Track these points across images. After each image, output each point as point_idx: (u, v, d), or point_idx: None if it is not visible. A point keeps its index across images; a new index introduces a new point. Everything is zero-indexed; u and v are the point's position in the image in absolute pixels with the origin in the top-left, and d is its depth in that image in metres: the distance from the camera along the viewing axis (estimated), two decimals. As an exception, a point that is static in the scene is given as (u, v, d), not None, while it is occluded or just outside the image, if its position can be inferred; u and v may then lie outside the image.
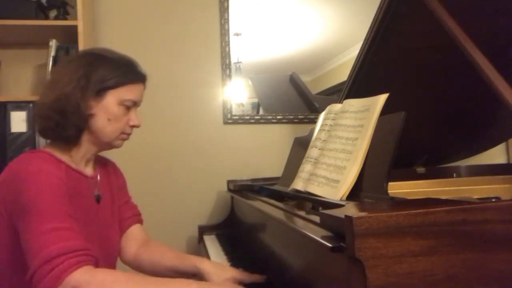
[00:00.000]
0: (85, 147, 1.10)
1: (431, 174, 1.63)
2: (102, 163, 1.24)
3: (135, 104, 1.12)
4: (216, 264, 1.20)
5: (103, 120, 1.07)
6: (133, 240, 1.28)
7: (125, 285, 0.87)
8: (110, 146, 1.13)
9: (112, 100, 1.06)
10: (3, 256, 0.99)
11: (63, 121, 1.02)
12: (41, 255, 0.85)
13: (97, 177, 1.18)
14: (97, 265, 0.92)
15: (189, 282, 0.95)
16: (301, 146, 1.48)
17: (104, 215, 1.17)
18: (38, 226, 0.89)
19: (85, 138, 1.09)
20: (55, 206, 0.92)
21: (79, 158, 1.11)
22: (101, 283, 0.86)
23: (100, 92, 1.05)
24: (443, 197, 0.87)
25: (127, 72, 1.09)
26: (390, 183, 0.95)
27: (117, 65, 1.08)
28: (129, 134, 1.14)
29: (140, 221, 1.33)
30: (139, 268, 1.26)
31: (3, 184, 0.98)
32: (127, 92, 1.08)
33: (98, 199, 1.15)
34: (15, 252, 0.94)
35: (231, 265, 1.29)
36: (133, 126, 1.13)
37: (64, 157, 1.06)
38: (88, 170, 1.15)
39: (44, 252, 0.85)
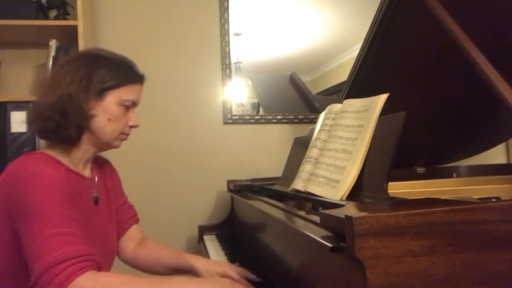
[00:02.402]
0: (84, 148, 1.10)
1: (431, 174, 1.64)
2: (98, 164, 1.24)
3: (134, 104, 1.13)
4: (210, 261, 1.25)
5: (103, 120, 1.07)
6: (131, 239, 1.31)
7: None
8: (109, 146, 1.13)
9: (112, 100, 1.07)
10: (3, 257, 0.98)
11: (64, 122, 1.02)
12: (45, 261, 0.84)
13: (94, 178, 1.18)
14: (99, 269, 0.92)
15: (185, 281, 0.97)
16: (301, 146, 1.48)
17: (102, 217, 1.17)
18: (40, 230, 0.88)
19: (85, 139, 1.08)
20: (58, 210, 0.92)
21: (78, 159, 1.11)
22: (105, 287, 0.86)
23: (101, 92, 1.05)
24: (443, 197, 0.87)
25: (126, 72, 1.10)
26: (390, 183, 0.95)
27: (117, 65, 1.09)
28: (127, 134, 1.15)
29: (137, 221, 1.35)
30: (137, 266, 1.30)
31: (3, 186, 0.97)
32: (126, 93, 1.09)
33: (96, 201, 1.15)
34: (16, 254, 0.94)
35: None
36: (132, 126, 1.14)
37: (63, 159, 1.06)
38: (86, 172, 1.15)
39: (47, 258, 0.85)
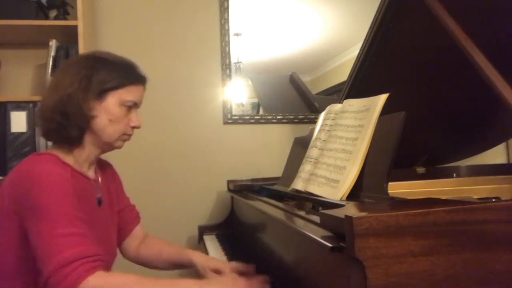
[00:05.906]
0: (88, 149, 1.12)
1: (431, 174, 1.64)
2: (101, 166, 1.26)
3: (136, 105, 1.14)
4: (206, 256, 1.33)
5: (104, 121, 1.08)
6: (135, 238, 1.35)
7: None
8: (111, 147, 1.15)
9: (113, 101, 1.08)
10: (11, 256, 0.99)
11: (65, 122, 1.04)
12: (56, 260, 0.86)
13: (98, 180, 1.20)
14: (106, 268, 0.94)
15: (191, 283, 1.00)
16: (301, 146, 1.48)
17: (104, 217, 1.19)
18: (51, 230, 0.90)
19: (87, 140, 1.10)
20: (68, 210, 0.94)
21: (83, 161, 1.12)
22: (114, 287, 0.90)
23: (101, 93, 1.07)
24: (443, 197, 0.87)
25: (127, 73, 1.11)
26: (390, 183, 0.95)
27: (118, 67, 1.10)
28: (130, 135, 1.16)
29: (139, 220, 1.39)
30: (139, 262, 1.35)
31: (12, 186, 0.98)
32: (127, 93, 1.10)
33: (99, 202, 1.17)
34: (23, 252, 0.96)
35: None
36: (133, 127, 1.15)
37: (68, 160, 1.08)
38: (91, 173, 1.17)
39: (59, 257, 0.87)
